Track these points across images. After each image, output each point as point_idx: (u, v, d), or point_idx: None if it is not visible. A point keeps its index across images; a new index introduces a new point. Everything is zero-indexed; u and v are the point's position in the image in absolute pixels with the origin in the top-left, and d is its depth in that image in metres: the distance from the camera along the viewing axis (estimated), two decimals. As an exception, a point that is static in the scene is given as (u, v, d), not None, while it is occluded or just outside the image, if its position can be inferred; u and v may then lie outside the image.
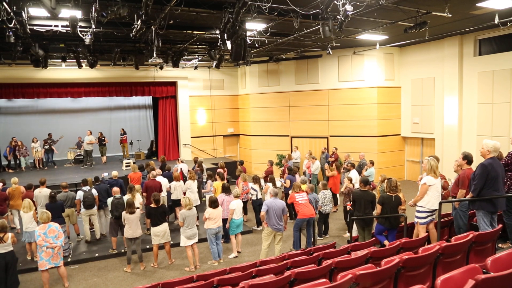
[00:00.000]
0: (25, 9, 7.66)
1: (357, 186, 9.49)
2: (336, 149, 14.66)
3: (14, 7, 7.31)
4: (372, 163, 11.49)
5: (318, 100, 16.30)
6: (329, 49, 12.90)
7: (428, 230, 6.38)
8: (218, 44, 10.40)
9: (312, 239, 8.63)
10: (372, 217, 7.50)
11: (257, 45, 12.13)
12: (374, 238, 6.96)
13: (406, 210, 7.47)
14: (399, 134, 15.80)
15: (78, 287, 7.57)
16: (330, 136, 16.16)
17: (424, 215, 6.33)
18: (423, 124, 14.77)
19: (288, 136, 17.34)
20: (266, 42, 11.78)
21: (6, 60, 12.66)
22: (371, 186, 8.58)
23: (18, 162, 16.68)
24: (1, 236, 6.76)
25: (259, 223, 10.47)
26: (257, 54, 14.64)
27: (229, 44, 8.93)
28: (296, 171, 11.43)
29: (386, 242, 6.66)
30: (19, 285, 7.26)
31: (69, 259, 8.60)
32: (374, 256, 4.79)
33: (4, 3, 6.66)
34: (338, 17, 7.76)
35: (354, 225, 8.06)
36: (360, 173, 11.25)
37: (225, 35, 8.60)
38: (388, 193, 7.06)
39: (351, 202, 8.03)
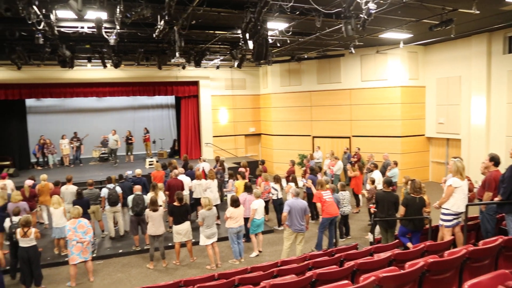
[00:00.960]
0: (53, 11, 7.88)
1: (379, 187, 9.35)
2: (359, 149, 14.48)
3: (43, 10, 7.52)
4: (395, 163, 11.29)
5: (340, 99, 16.14)
6: (352, 48, 12.74)
7: (454, 234, 6.22)
8: (240, 43, 10.42)
9: (334, 240, 8.55)
10: (396, 218, 7.37)
11: (278, 45, 12.10)
12: (397, 240, 6.85)
13: (430, 212, 7.31)
14: (424, 135, 15.47)
15: (103, 282, 7.73)
16: (353, 136, 15.97)
17: (450, 217, 6.18)
18: (448, 125, 14.42)
19: (310, 136, 17.24)
20: (288, 41, 11.74)
21: (35, 61, 13.04)
22: (394, 187, 8.45)
23: (46, 159, 17.19)
24: (25, 230, 6.99)
25: (280, 222, 10.45)
26: (278, 53, 14.60)
27: (251, 44, 8.93)
28: (318, 171, 11.36)
29: (409, 245, 6.54)
30: (43, 279, 7.49)
31: (94, 255, 8.79)
32: (397, 258, 4.71)
33: (34, 7, 6.86)
34: (361, 15, 7.66)
35: (377, 227, 7.94)
36: (383, 174, 11.07)
37: (247, 34, 8.61)
38: (412, 195, 6.92)
39: (375, 204, 7.92)
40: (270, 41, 10.62)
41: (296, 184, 10.24)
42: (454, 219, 6.19)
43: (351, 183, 11.93)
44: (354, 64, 15.57)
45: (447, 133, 14.55)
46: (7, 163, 15.92)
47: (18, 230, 7.07)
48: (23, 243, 7.06)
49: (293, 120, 17.60)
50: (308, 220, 8.07)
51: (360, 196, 11.88)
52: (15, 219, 7.61)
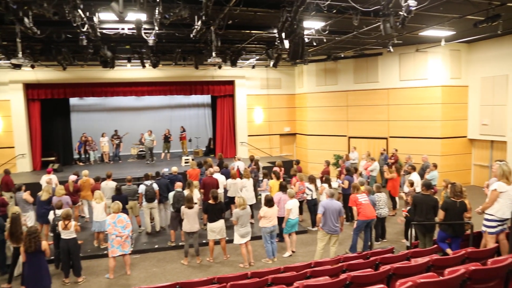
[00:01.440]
0: (96, 14, 8.20)
1: (418, 190, 9.06)
2: (396, 150, 14.11)
3: (87, 13, 7.84)
4: (435, 166, 10.91)
5: (378, 99, 15.78)
6: (390, 47, 12.41)
7: (498, 241, 5.93)
8: (276, 43, 10.42)
9: (369, 243, 8.38)
10: (434, 223, 7.12)
11: (315, 44, 11.99)
12: (435, 246, 6.61)
13: (472, 217, 7.00)
14: (466, 136, 14.84)
15: (139, 276, 7.95)
16: (390, 137, 15.58)
17: (494, 224, 5.90)
18: (493, 126, 13.75)
19: (346, 136, 16.97)
20: (324, 40, 11.60)
21: (79, 61, 13.61)
22: (433, 190, 8.17)
23: (87, 156, 17.92)
24: (66, 223, 7.32)
25: (314, 223, 10.36)
26: (315, 52, 14.47)
27: (287, 43, 8.90)
28: (353, 172, 11.17)
29: (449, 251, 6.29)
30: (82, 270, 7.81)
31: (132, 249, 9.05)
32: (436, 264, 4.55)
33: (79, 10, 7.17)
34: (401, 13, 7.44)
35: (414, 231, 7.70)
36: (422, 176, 10.73)
37: (283, 34, 8.59)
38: (452, 199, 6.65)
39: (408, 208, 7.69)
40: (306, 40, 10.54)
41: (329, 185, 10.11)
42: (499, 225, 5.91)
43: (387, 185, 11.64)
44: (392, 63, 15.17)
45: (491, 134, 13.89)
46: (52, 158, 16.76)
47: (60, 223, 7.43)
48: (64, 235, 7.41)
49: (328, 120, 17.39)
50: (343, 222, 7.95)
51: (397, 198, 11.58)
52: (58, 212, 7.99)
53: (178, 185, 9.41)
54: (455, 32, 11.29)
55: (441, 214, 6.67)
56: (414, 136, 14.82)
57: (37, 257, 6.42)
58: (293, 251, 8.90)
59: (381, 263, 5.27)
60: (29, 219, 9.25)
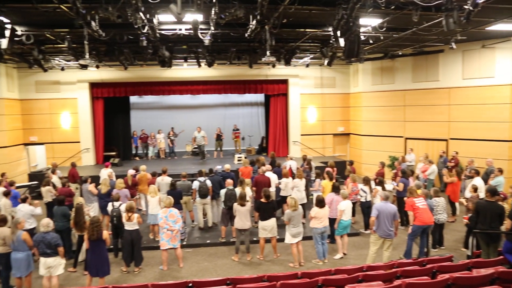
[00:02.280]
0: (156, 16, 8.56)
1: (482, 195, 8.53)
2: (457, 153, 13.36)
3: (148, 15, 8.20)
4: (500, 171, 10.19)
5: (438, 99, 15.01)
6: (453, 43, 11.74)
7: None
8: (331, 41, 10.24)
9: (426, 249, 8.01)
10: (500, 232, 6.65)
11: (371, 42, 11.65)
12: (501, 257, 6.17)
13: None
14: (537, 139, 13.71)
15: (191, 269, 8.19)
16: (450, 138, 14.76)
17: None
18: None
19: (402, 137, 16.34)
20: (381, 38, 11.23)
21: (139, 61, 14.28)
22: (502, 196, 7.65)
23: (146, 152, 18.77)
24: (129, 215, 7.72)
25: (367, 226, 10.09)
26: (371, 50, 14.06)
27: (342, 41, 8.74)
28: (410, 175, 10.72)
29: (516, 262, 5.86)
30: (143, 260, 8.19)
31: (184, 243, 9.34)
32: (502, 277, 4.25)
33: (140, 13, 7.53)
34: (466, 6, 7.02)
35: (476, 240, 7.24)
36: (486, 181, 10.08)
37: (338, 32, 8.44)
38: (521, 206, 6.19)
39: (469, 215, 7.24)
40: (362, 38, 10.26)
41: (383, 187, 9.78)
42: None
43: (446, 189, 11.05)
44: (454, 61, 14.35)
45: None
46: (113, 153, 17.74)
47: (123, 215, 7.85)
48: (128, 226, 7.83)
49: (384, 120, 16.84)
50: (397, 226, 7.67)
51: (457, 204, 10.96)
52: (116, 204, 8.43)
53: (229, 183, 9.56)
54: (527, 27, 10.47)
55: (508, 223, 6.23)
56: (478, 138, 13.91)
57: (99, 245, 6.84)
58: (344, 254, 8.73)
59: (439, 271, 5.02)
60: (93, 209, 9.86)
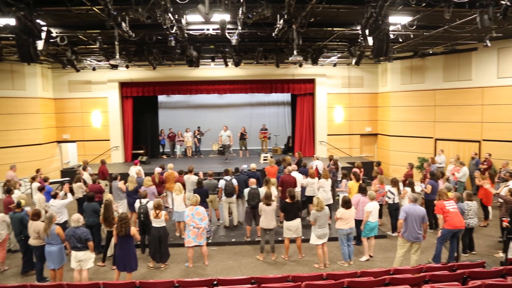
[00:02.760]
0: (184, 16, 8.68)
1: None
2: (490, 155, 12.90)
3: (176, 16, 8.34)
4: (537, 173, 9.77)
5: (470, 99, 14.53)
6: (487, 41, 11.34)
7: None
8: (359, 40, 10.11)
9: (456, 254, 7.78)
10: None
11: (400, 40, 11.41)
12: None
13: None
14: None
15: (216, 267, 8.26)
16: (483, 140, 14.27)
17: None
18: None
19: (432, 138, 15.93)
20: (411, 36, 10.98)
21: (167, 61, 14.53)
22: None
23: (174, 150, 19.08)
24: (157, 212, 7.87)
25: (394, 228, 9.90)
26: (400, 49, 13.78)
27: (370, 40, 8.61)
28: (439, 177, 10.44)
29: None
30: (169, 257, 8.33)
31: (210, 241, 9.43)
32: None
33: (169, 13, 7.67)
34: (502, 2, 6.76)
35: (511, 245, 6.98)
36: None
37: (367, 30, 8.32)
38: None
39: (509, 218, 6.98)
40: (391, 36, 10.08)
41: (413, 189, 9.57)
42: None
43: (479, 192, 10.69)
44: (489, 59, 13.86)
45: None
46: (141, 151, 18.12)
47: (151, 212, 8.00)
48: (155, 223, 7.99)
49: (413, 120, 16.46)
50: (426, 229, 7.48)
51: (489, 208, 10.59)
52: (143, 201, 8.61)
53: (252, 182, 9.58)
54: None
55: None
56: (513, 139, 13.41)
57: (127, 241, 7.00)
58: (370, 256, 8.60)
59: (470, 277, 4.87)
60: (122, 206, 10.11)
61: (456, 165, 12.30)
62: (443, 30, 10.17)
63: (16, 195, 9.13)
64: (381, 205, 9.83)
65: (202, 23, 9.56)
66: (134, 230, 7.06)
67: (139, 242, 8.64)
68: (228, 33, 9.55)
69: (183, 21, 8.90)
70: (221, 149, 19.00)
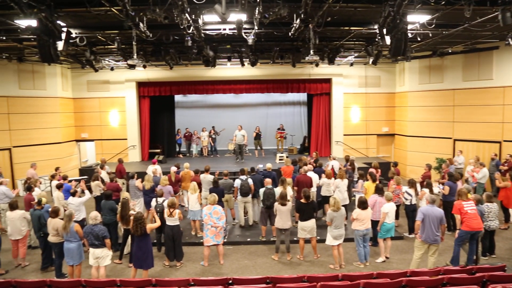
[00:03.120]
0: (201, 16, 8.74)
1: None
2: (511, 156, 12.61)
3: (193, 16, 8.40)
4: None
5: (490, 99, 14.22)
6: (509, 39, 11.07)
7: None
8: (376, 39, 10.00)
9: (475, 256, 7.63)
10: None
11: (419, 39, 11.24)
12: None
13: None
14: None
15: (231, 266, 8.29)
16: (504, 141, 13.94)
17: None
18: None
19: (451, 138, 15.65)
20: (430, 35, 10.81)
21: (184, 61, 14.64)
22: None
23: (191, 150, 19.22)
24: (171, 211, 7.94)
25: (411, 230, 9.77)
26: (418, 48, 13.58)
27: (388, 39, 8.52)
28: (458, 178, 10.25)
29: None
30: (183, 256, 8.39)
31: (225, 240, 9.46)
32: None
33: (186, 14, 7.73)
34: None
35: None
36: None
37: (384, 29, 8.23)
38: None
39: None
40: (409, 35, 9.94)
41: (431, 190, 9.42)
42: None
43: (499, 194, 10.46)
44: (510, 58, 13.55)
45: None
46: (158, 150, 18.33)
47: (165, 210, 8.08)
48: (169, 222, 8.06)
49: (431, 120, 16.20)
50: (444, 231, 7.36)
51: (510, 210, 10.35)
52: (160, 200, 8.70)
53: (268, 182, 9.58)
54: None
55: None
56: (535, 140, 13.08)
57: (143, 239, 7.08)
58: (387, 257, 8.50)
59: (490, 281, 4.78)
60: (139, 204, 10.24)
61: (476, 166, 12.06)
62: (463, 28, 9.97)
63: (37, 192, 9.34)
64: (398, 206, 9.73)
65: (218, 23, 9.60)
66: (149, 226, 7.14)
67: (155, 241, 8.75)
68: (245, 33, 9.57)
69: (200, 21, 8.96)
70: (236, 148, 19.06)
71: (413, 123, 16.89)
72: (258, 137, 18.49)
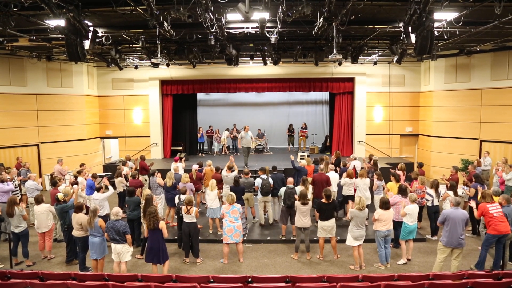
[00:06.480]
0: (224, 15, 8.79)
1: None
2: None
3: (216, 14, 8.45)
4: None
5: (521, 99, 13.77)
6: (541, 38, 10.70)
7: None
8: (401, 37, 9.83)
9: (502, 261, 7.41)
10: None
11: (445, 37, 10.98)
12: None
13: None
14: None
15: (251, 264, 8.32)
16: (534, 142, 13.49)
17: None
18: None
19: (477, 139, 15.22)
20: (457, 33, 10.53)
21: (206, 60, 14.77)
22: None
23: (212, 147, 19.39)
24: (188, 208, 8.03)
25: (434, 232, 9.57)
26: (444, 47, 13.26)
27: (413, 37, 8.35)
28: (484, 180, 9.95)
29: None
30: (200, 252, 8.47)
31: (245, 238, 9.50)
32: None
33: (209, 12, 7.79)
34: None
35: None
36: None
37: (410, 27, 8.07)
38: None
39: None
40: (436, 33, 9.72)
41: (455, 192, 9.18)
42: None
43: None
44: (542, 57, 13.07)
45: None
46: (180, 148, 18.55)
47: (183, 207, 8.18)
48: (186, 219, 8.16)
49: (457, 121, 15.80)
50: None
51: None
52: (182, 197, 8.80)
53: (290, 181, 9.55)
54: None
55: None
56: None
57: (155, 233, 7.18)
58: (408, 259, 8.35)
59: (516, 286, 4.63)
60: (160, 201, 10.39)
61: (504, 168, 11.69)
62: (492, 26, 9.67)
63: (62, 187, 9.60)
64: (421, 208, 9.52)
65: (241, 21, 9.63)
66: (162, 224, 7.21)
67: (175, 237, 8.86)
68: (268, 31, 9.57)
69: (223, 20, 9.02)
70: (259, 147, 19.11)
71: (438, 123, 16.53)
72: (291, 134, 18.47)
